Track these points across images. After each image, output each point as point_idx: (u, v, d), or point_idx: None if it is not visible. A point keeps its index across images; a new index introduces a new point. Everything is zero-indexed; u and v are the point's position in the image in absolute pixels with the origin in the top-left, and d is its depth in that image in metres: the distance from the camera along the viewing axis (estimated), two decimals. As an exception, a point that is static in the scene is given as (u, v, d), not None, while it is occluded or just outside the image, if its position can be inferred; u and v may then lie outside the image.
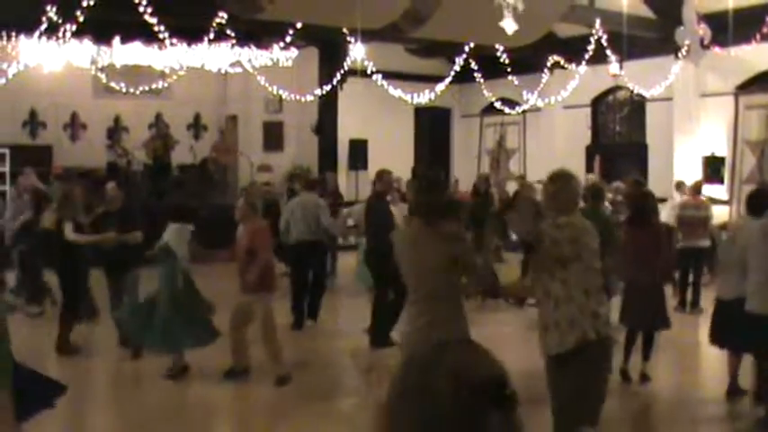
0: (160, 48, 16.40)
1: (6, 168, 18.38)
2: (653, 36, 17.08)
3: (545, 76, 18.66)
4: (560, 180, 5.06)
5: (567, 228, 4.79)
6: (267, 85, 17.54)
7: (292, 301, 10.93)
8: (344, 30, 15.47)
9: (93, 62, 17.19)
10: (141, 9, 13.22)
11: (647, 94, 17.87)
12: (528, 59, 18.15)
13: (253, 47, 18.05)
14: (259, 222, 8.16)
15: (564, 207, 4.91)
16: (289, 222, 10.97)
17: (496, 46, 16.12)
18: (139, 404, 7.71)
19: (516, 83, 18.10)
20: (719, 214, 15.67)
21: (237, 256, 8.07)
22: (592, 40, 16.68)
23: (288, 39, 15.62)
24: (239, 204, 8.28)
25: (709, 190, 15.22)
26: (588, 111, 20.14)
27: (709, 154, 16.93)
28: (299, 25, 15.17)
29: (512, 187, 16.78)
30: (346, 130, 19.64)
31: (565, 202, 4.94)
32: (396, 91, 17.67)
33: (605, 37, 16.58)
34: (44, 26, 13.33)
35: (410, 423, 1.44)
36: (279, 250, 11.03)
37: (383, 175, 10.08)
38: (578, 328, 4.70)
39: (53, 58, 16.26)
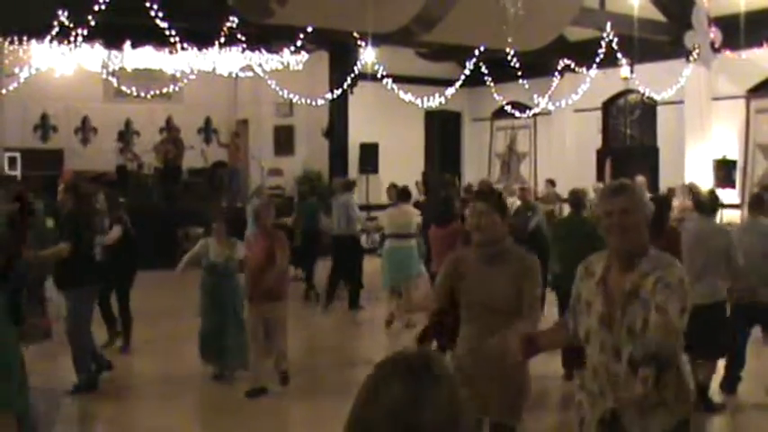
0: (171, 52, 16.47)
1: (18, 172, 18.48)
2: (664, 39, 17.04)
3: (556, 80, 18.61)
4: (627, 191, 3.38)
5: (678, 289, 3.19)
6: (278, 89, 17.54)
7: (327, 285, 12.32)
8: (355, 33, 15.48)
9: (105, 66, 17.24)
10: (152, 13, 13.26)
11: (658, 98, 17.81)
12: (538, 63, 18.11)
13: (263, 51, 18.09)
14: (275, 228, 8.16)
15: (642, 234, 3.35)
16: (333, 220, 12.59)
17: (507, 49, 16.09)
18: (148, 406, 7.72)
19: (527, 86, 18.05)
20: (731, 218, 15.62)
21: (250, 263, 7.77)
22: (602, 43, 16.64)
23: (298, 43, 15.62)
24: (260, 208, 8.18)
25: (721, 194, 15.13)
26: (599, 114, 20.09)
27: (720, 157, 16.86)
28: (309, 29, 15.18)
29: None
30: (357, 133, 19.63)
31: (638, 227, 3.33)
32: (406, 95, 17.64)
33: (616, 40, 16.54)
34: (56, 30, 13.38)
35: None
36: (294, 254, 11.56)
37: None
38: (688, 397, 3.44)
39: (65, 63, 16.34)
